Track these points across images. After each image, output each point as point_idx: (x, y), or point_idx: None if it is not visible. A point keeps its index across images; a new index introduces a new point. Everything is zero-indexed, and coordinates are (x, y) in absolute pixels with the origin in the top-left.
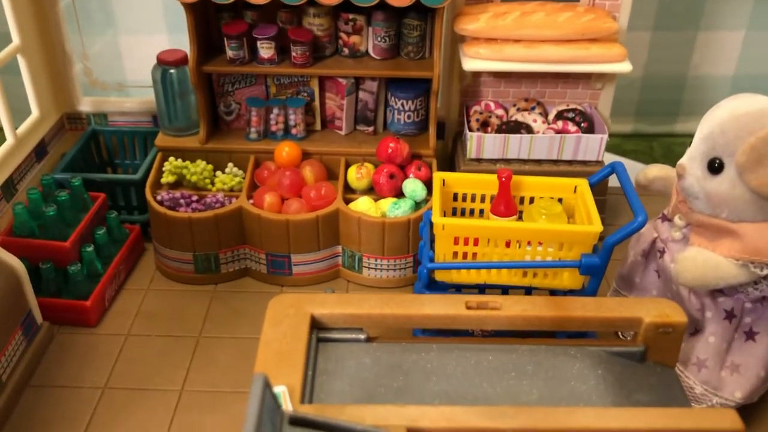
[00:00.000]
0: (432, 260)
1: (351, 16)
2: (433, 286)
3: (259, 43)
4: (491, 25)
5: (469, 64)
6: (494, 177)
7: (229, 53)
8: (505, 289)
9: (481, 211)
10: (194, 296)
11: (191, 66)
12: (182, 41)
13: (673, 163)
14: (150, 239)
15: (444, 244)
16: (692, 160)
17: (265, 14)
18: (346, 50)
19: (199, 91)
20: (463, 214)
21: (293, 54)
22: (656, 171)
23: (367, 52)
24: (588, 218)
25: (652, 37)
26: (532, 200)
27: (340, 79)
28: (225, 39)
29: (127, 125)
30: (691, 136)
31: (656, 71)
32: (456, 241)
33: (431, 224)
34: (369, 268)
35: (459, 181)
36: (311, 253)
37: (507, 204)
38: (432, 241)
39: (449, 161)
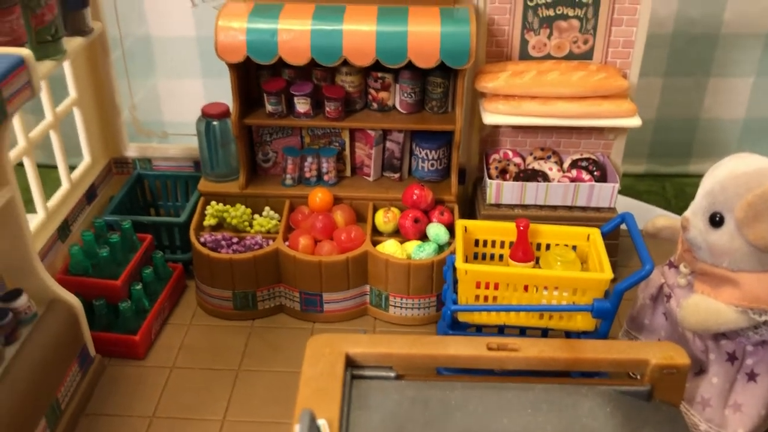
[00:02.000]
0: (455, 302)
1: (380, 75)
2: (456, 326)
3: (296, 98)
4: (510, 83)
5: (490, 119)
6: (513, 225)
7: (269, 107)
8: (522, 330)
9: (501, 256)
10: (233, 331)
11: (234, 119)
12: (216, 85)
13: (686, 204)
14: (191, 277)
15: (467, 287)
16: (695, 214)
17: (301, 72)
18: (374, 105)
19: (240, 142)
20: (483, 258)
21: (327, 109)
22: (663, 221)
23: (394, 106)
24: (600, 265)
25: (664, 82)
26: (548, 247)
27: (369, 131)
28: (265, 95)
29: (169, 170)
30: (701, 176)
31: (668, 114)
32: (478, 285)
33: (454, 268)
34: (395, 306)
35: (480, 228)
36: (341, 291)
37: (525, 250)
38: (455, 284)
39: (469, 205)
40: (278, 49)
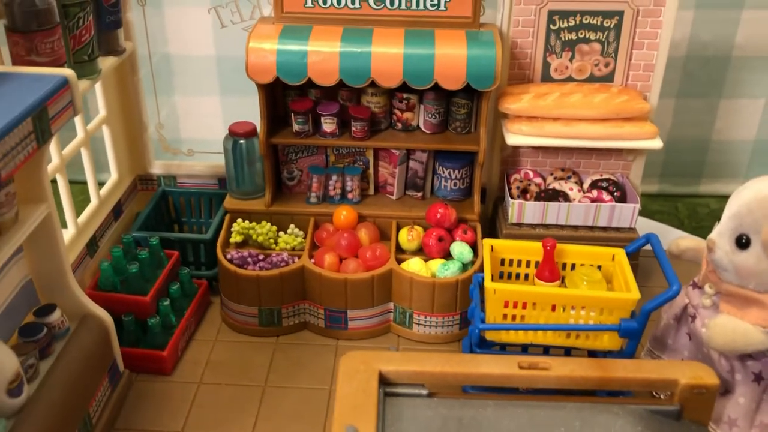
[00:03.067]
0: (483, 321)
1: (405, 96)
2: (482, 344)
3: (322, 118)
4: (533, 105)
5: (513, 140)
6: (539, 245)
7: (296, 127)
8: (546, 348)
9: (526, 276)
10: (258, 348)
11: (261, 138)
12: (233, 102)
13: (699, 224)
14: (215, 293)
15: (495, 306)
16: (721, 235)
17: (327, 92)
18: (399, 125)
19: (266, 160)
20: (509, 277)
21: (353, 128)
22: (687, 242)
23: (418, 126)
24: (626, 285)
25: (677, 103)
26: (573, 266)
27: (394, 151)
28: (292, 114)
29: (193, 187)
30: (713, 197)
31: (680, 135)
32: (506, 305)
33: (481, 287)
34: (419, 324)
35: (506, 247)
36: (366, 309)
37: (551, 270)
38: (482, 302)
39: (490, 223)
40: (308, 70)
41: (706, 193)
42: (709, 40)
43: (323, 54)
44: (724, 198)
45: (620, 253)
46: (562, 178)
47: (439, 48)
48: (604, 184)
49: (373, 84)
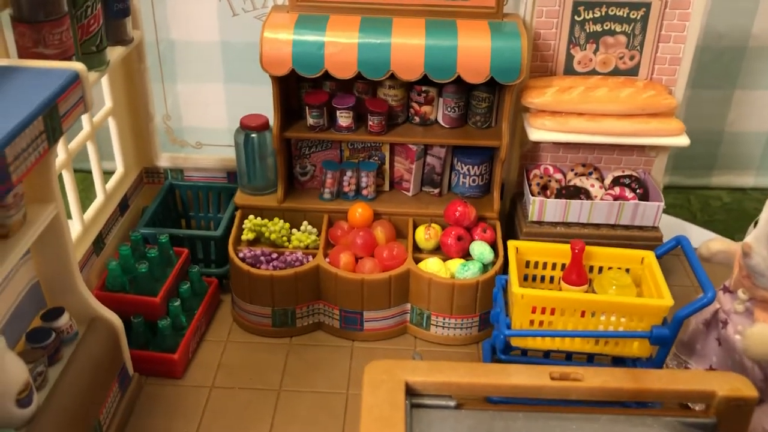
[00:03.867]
0: (509, 327)
1: (424, 88)
2: (505, 349)
3: (338, 112)
4: (557, 99)
5: (536, 135)
6: (565, 247)
7: (310, 120)
8: (569, 354)
9: (551, 278)
10: (271, 349)
11: (275, 133)
12: (237, 90)
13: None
14: (225, 291)
15: (522, 312)
16: (758, 240)
17: (343, 84)
18: (417, 118)
19: (279, 155)
20: (534, 280)
21: (370, 123)
22: (718, 245)
23: (436, 120)
24: (657, 290)
25: (691, 94)
26: (600, 269)
27: (411, 146)
28: (307, 108)
29: (202, 180)
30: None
31: (693, 126)
32: (533, 310)
33: (505, 290)
34: (437, 326)
35: (531, 249)
36: (382, 310)
37: (579, 273)
38: (506, 305)
39: (508, 220)
40: (324, 62)
41: (719, 186)
42: (725, 31)
43: (341, 45)
44: (737, 190)
45: (650, 256)
46: (583, 174)
47: (462, 39)
48: (627, 181)
49: (391, 76)
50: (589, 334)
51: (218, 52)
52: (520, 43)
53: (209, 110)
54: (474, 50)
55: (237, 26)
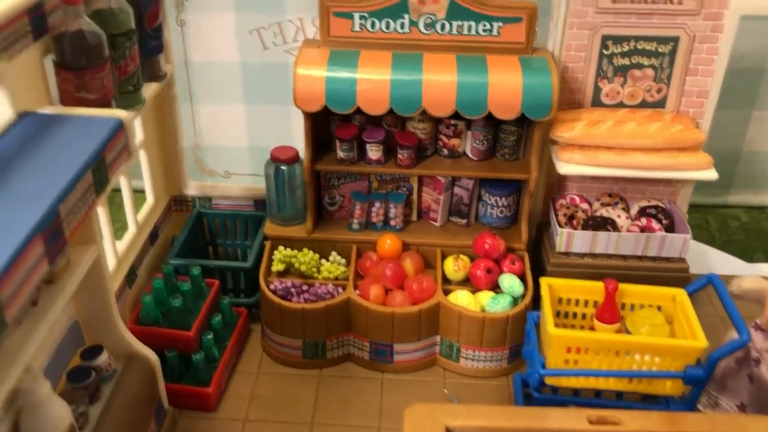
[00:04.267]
0: (544, 366)
1: (453, 122)
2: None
3: (368, 145)
4: (586, 133)
5: (565, 168)
6: (598, 284)
7: (340, 153)
8: (597, 392)
9: (583, 315)
10: (302, 381)
11: (306, 165)
12: (257, 111)
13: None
14: (254, 320)
15: (557, 352)
16: None
17: (372, 117)
18: (445, 151)
19: (309, 187)
20: (566, 316)
21: (399, 156)
22: (749, 283)
23: (464, 152)
24: (690, 330)
25: None
26: (632, 307)
27: (439, 177)
28: (337, 141)
29: (229, 208)
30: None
31: (711, 145)
32: (568, 350)
33: (537, 326)
34: (466, 358)
35: (564, 287)
36: (412, 342)
37: (612, 312)
38: (539, 343)
39: (534, 251)
40: (357, 99)
41: (736, 204)
42: (745, 52)
43: (373, 82)
44: (755, 209)
45: (681, 294)
46: (609, 204)
47: (492, 76)
48: (653, 212)
49: (421, 111)
50: (624, 374)
51: (239, 74)
52: (551, 80)
53: (219, 128)
54: (505, 87)
55: (241, 44)
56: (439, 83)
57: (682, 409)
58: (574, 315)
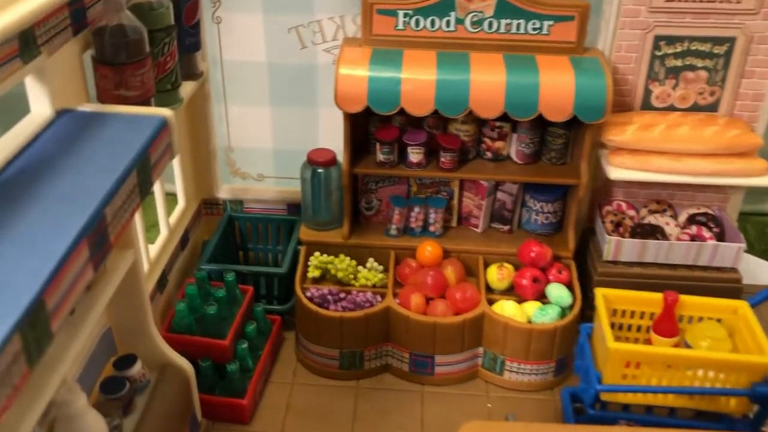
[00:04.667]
0: (600, 381)
1: (498, 124)
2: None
3: (409, 148)
4: (638, 138)
5: (615, 174)
6: (655, 296)
7: (380, 156)
8: (672, 410)
9: (639, 327)
10: (339, 392)
11: (345, 169)
12: (282, 114)
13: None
14: (288, 327)
15: (615, 367)
16: None
17: (412, 118)
18: (488, 154)
19: (347, 191)
20: (620, 328)
21: (442, 159)
22: None
23: (509, 156)
24: (756, 344)
25: None
26: (690, 319)
27: (482, 182)
28: (377, 144)
29: (261, 212)
30: None
31: None
32: (627, 364)
33: (590, 338)
34: (511, 371)
35: (620, 298)
36: (454, 354)
37: (670, 325)
38: (593, 357)
39: (578, 257)
40: (401, 99)
41: None
42: None
43: (418, 82)
44: None
45: (743, 307)
46: (657, 212)
47: (543, 76)
48: (703, 219)
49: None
50: (687, 390)
51: (273, 74)
52: (605, 81)
53: (265, 137)
54: (557, 88)
55: (268, 43)
56: (488, 83)
57: (746, 430)
58: (629, 327)
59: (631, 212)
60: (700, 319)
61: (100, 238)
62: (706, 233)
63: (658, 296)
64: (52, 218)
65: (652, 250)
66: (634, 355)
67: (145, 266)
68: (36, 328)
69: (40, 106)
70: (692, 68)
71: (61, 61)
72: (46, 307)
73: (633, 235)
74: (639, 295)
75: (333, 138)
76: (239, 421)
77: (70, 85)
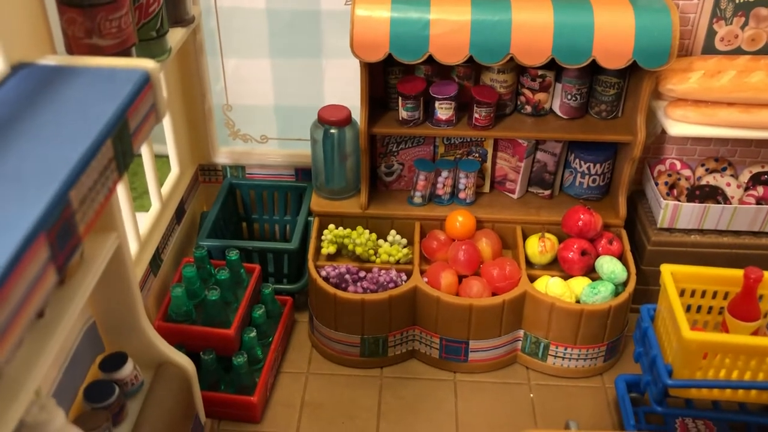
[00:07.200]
0: (671, 374)
1: (540, 72)
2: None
3: (437, 103)
4: (704, 87)
5: (676, 129)
6: (734, 273)
7: (403, 113)
8: (715, 403)
9: (710, 309)
10: (361, 383)
11: (362, 128)
12: (283, 65)
13: None
14: (300, 308)
15: (691, 359)
16: None
17: (440, 68)
18: (528, 108)
19: (365, 154)
20: (688, 310)
21: (475, 115)
22: None
23: (551, 110)
24: None
25: None
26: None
27: (521, 141)
28: (400, 99)
29: (266, 178)
30: None
31: None
32: (705, 356)
33: (653, 323)
34: (555, 356)
35: (689, 276)
36: (492, 339)
37: (751, 307)
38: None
39: (628, 226)
40: (429, 45)
41: None
42: None
43: (450, 24)
44: None
45: None
46: (716, 171)
47: (598, 15)
48: None
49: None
50: None
51: (273, 22)
52: (671, 20)
53: (233, 74)
54: (614, 29)
55: None
56: (532, 25)
57: None
58: (698, 309)
59: (686, 172)
60: None
61: (63, 231)
62: None
63: (735, 273)
64: None
65: (714, 216)
66: (715, 346)
67: (134, 246)
68: None
69: None
70: (766, 4)
71: (16, 3)
72: None
73: (691, 199)
74: (713, 272)
75: (340, 93)
76: (249, 420)
77: (28, 33)
